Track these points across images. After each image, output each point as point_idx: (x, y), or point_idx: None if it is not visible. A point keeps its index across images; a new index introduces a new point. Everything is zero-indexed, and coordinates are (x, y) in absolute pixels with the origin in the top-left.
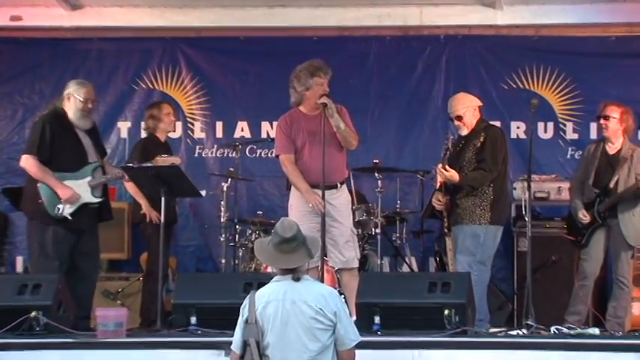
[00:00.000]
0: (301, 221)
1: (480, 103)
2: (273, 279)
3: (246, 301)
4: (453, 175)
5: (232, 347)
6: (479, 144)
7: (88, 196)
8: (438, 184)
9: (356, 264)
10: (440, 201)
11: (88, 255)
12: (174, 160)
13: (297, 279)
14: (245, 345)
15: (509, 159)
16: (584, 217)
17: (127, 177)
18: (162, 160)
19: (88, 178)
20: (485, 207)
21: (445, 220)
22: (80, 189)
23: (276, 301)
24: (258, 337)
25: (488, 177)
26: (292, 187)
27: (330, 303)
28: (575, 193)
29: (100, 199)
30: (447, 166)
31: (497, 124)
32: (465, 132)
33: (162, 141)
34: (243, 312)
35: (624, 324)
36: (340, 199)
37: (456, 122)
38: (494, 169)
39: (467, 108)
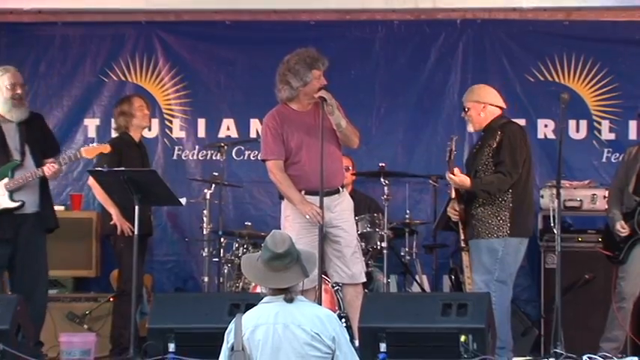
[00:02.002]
0: (300, 234)
1: (497, 103)
2: (263, 300)
3: (231, 326)
4: (464, 180)
5: None
6: (495, 144)
7: (4, 201)
8: (453, 193)
9: (363, 278)
10: (456, 211)
11: (27, 270)
12: (103, 148)
13: (290, 300)
14: None
15: (535, 162)
16: (622, 229)
17: (47, 173)
18: (90, 150)
19: (5, 180)
20: (503, 217)
21: (463, 232)
22: None
23: (266, 325)
24: None
25: (507, 181)
26: None
27: (328, 327)
28: (613, 202)
29: (17, 204)
30: (455, 171)
31: (522, 122)
32: (470, 128)
33: (136, 141)
34: (229, 338)
35: None
36: (343, 205)
37: (462, 114)
38: (514, 172)
39: (473, 102)
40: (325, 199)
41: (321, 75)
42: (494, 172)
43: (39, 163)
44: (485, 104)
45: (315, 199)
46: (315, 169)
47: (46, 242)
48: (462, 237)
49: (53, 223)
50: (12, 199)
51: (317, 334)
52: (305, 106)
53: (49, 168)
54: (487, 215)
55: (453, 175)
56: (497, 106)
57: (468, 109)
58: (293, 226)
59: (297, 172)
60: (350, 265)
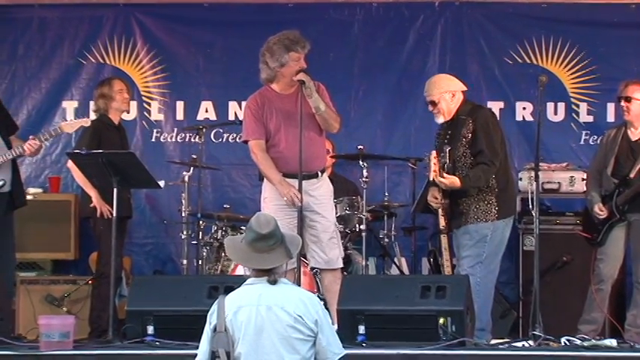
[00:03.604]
0: (277, 216)
1: (463, 87)
2: (246, 282)
3: (214, 307)
4: (454, 181)
5: None
6: (469, 134)
7: None
8: (432, 176)
9: (340, 264)
10: (436, 199)
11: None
12: (83, 122)
13: (273, 282)
14: (213, 356)
15: (512, 144)
16: (600, 211)
17: (29, 151)
18: (70, 125)
19: None
20: (490, 201)
21: (442, 217)
22: None
23: (250, 307)
24: (228, 347)
25: (491, 171)
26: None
27: (311, 310)
28: (591, 185)
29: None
30: (445, 174)
31: (500, 104)
32: (441, 119)
33: (115, 123)
34: (211, 319)
35: None
36: (321, 190)
37: (430, 108)
38: (495, 160)
39: (442, 93)
40: (303, 182)
41: (300, 57)
42: (475, 164)
43: (7, 143)
44: (454, 92)
45: (293, 182)
46: (293, 153)
47: (14, 220)
48: (443, 224)
49: (22, 201)
50: None
51: (300, 316)
52: (286, 88)
53: (30, 145)
54: (473, 202)
55: (443, 178)
56: (462, 91)
57: (438, 101)
58: (270, 208)
59: (275, 154)
60: (326, 250)
